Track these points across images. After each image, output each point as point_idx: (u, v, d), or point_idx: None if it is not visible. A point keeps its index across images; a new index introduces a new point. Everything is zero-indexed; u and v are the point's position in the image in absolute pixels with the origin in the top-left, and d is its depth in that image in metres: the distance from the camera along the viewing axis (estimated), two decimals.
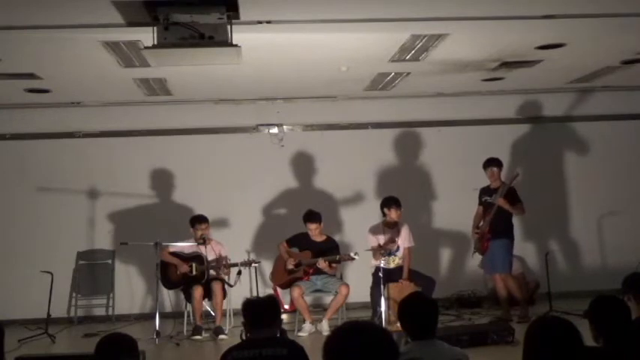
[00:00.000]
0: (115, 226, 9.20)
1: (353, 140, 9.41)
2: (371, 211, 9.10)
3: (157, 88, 8.19)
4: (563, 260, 9.49)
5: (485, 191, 8.09)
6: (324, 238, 7.99)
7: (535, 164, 9.48)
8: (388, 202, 7.89)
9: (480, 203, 8.12)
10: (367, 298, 7.86)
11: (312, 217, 7.87)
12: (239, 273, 7.81)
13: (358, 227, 8.63)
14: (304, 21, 5.63)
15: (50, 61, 6.76)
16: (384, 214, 7.92)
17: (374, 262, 7.71)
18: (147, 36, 5.14)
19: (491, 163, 8.03)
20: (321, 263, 7.73)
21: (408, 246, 7.89)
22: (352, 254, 7.74)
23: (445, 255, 9.48)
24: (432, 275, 8.05)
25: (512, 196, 7.85)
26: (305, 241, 7.95)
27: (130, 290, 9.13)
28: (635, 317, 3.65)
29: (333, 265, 7.85)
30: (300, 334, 7.60)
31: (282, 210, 9.33)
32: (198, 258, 7.89)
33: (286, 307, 7.89)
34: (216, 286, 7.78)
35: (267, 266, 8.48)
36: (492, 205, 7.87)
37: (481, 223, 8.02)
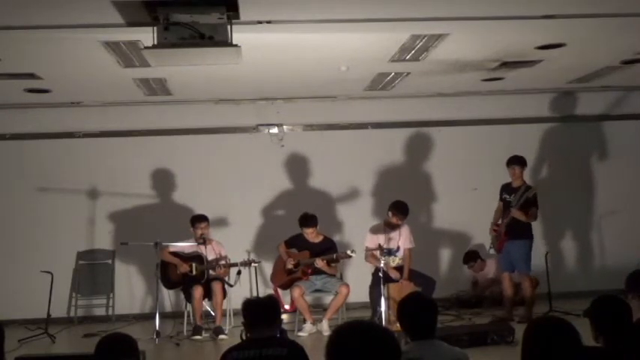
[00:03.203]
0: (115, 226, 9.19)
1: (353, 140, 9.41)
2: (371, 212, 9.14)
3: (156, 88, 8.19)
4: (563, 260, 9.49)
5: (506, 188, 7.98)
6: (321, 238, 7.99)
7: (535, 164, 9.47)
8: (394, 208, 7.85)
9: (501, 199, 8.05)
10: (367, 298, 7.87)
11: (307, 222, 7.85)
12: (239, 273, 7.82)
13: (358, 227, 8.65)
14: (304, 21, 5.62)
15: (50, 61, 6.76)
16: (388, 214, 7.92)
17: (375, 263, 7.74)
18: (147, 36, 5.15)
19: (513, 161, 7.91)
20: (319, 262, 7.74)
21: (409, 247, 7.91)
22: (349, 252, 7.76)
23: (445, 255, 9.48)
24: (432, 275, 8.06)
25: (531, 202, 7.76)
26: (302, 242, 7.95)
27: (130, 290, 9.13)
28: (636, 318, 3.63)
29: (332, 265, 7.86)
30: (301, 334, 7.60)
31: (282, 210, 9.32)
32: (198, 258, 7.90)
33: (286, 307, 7.90)
34: (216, 286, 7.78)
35: (267, 266, 8.49)
36: (510, 206, 7.83)
37: (499, 220, 7.97)
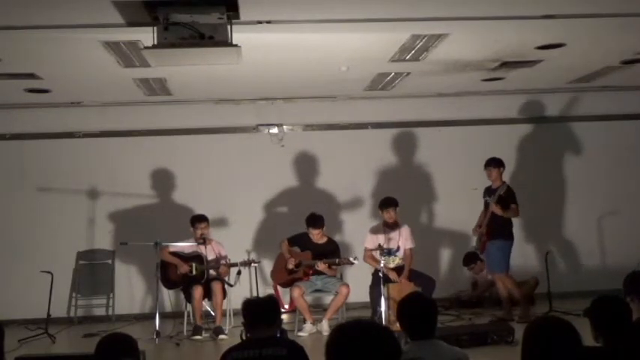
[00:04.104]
0: (115, 226, 9.19)
1: (353, 140, 9.41)
2: (371, 212, 9.13)
3: (156, 88, 8.19)
4: (563, 260, 9.49)
5: (487, 191, 8.04)
6: (325, 240, 7.99)
7: (535, 164, 9.48)
8: (382, 204, 7.95)
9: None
10: (367, 298, 7.88)
11: (315, 222, 7.85)
12: (239, 273, 7.82)
13: (358, 227, 8.66)
14: (304, 21, 5.63)
15: (50, 61, 6.76)
16: (380, 214, 7.96)
17: (373, 264, 7.75)
18: (147, 36, 5.15)
19: (489, 163, 7.97)
20: (321, 265, 7.74)
21: (410, 247, 7.91)
22: (351, 259, 7.75)
23: (445, 255, 9.48)
24: (432, 275, 8.06)
25: (508, 199, 7.81)
26: (306, 241, 7.95)
27: (130, 290, 9.13)
28: (635, 318, 3.64)
29: (333, 266, 7.86)
30: (300, 334, 7.60)
31: (282, 210, 9.33)
32: (198, 258, 7.90)
33: (286, 306, 7.90)
34: (216, 286, 7.77)
35: (267, 266, 8.49)
36: (490, 206, 7.87)
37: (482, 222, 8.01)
